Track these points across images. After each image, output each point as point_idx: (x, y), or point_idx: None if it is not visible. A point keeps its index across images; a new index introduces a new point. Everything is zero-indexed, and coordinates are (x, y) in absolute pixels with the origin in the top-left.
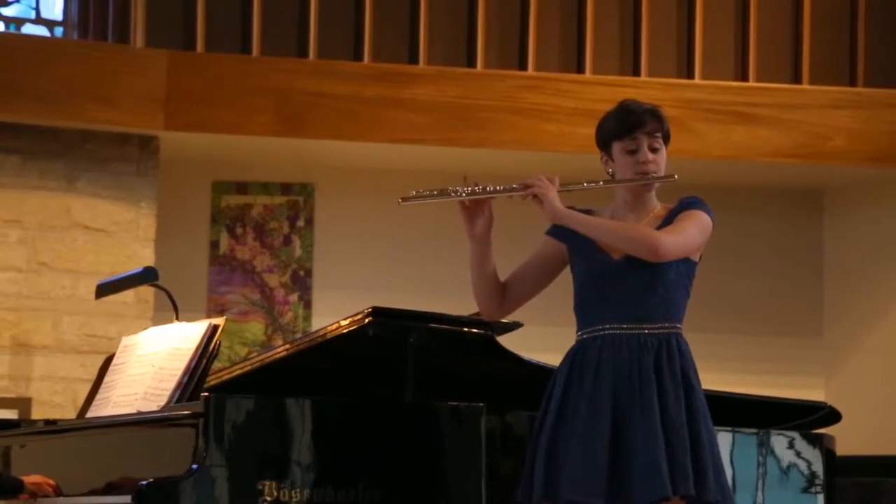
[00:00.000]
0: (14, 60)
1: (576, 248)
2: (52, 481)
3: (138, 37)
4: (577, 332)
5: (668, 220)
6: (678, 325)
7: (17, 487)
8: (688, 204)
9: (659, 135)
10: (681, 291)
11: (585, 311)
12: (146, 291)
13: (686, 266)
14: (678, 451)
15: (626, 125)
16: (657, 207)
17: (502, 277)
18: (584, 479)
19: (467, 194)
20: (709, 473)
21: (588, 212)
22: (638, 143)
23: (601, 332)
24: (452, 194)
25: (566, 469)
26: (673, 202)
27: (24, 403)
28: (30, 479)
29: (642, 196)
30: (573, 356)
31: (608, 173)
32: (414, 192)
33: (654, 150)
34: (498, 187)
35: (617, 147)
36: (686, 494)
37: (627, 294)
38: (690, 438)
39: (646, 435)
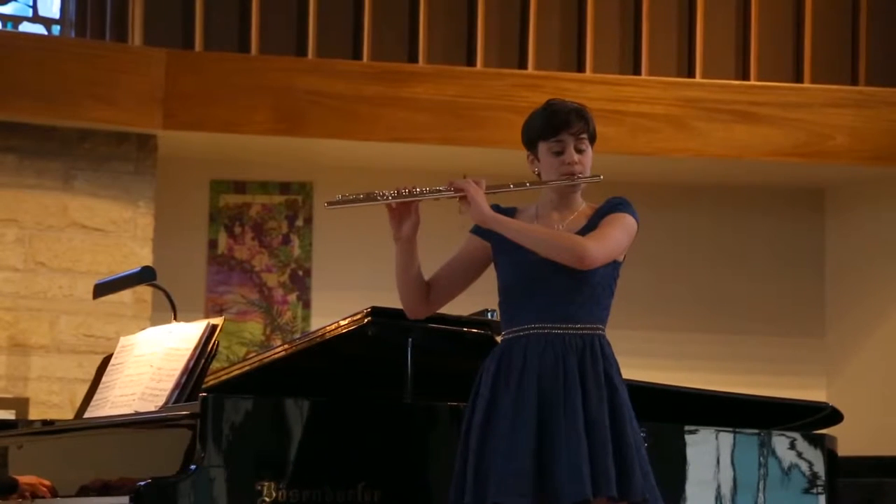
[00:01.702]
0: (11, 59)
1: (499, 246)
2: (46, 482)
3: (136, 35)
4: (502, 331)
5: (593, 221)
6: (601, 327)
7: (11, 487)
8: (614, 205)
9: (585, 135)
10: (606, 292)
11: (510, 310)
12: (144, 291)
13: (611, 268)
14: (600, 452)
15: (551, 125)
16: (582, 206)
17: (426, 276)
18: (510, 481)
19: (394, 197)
20: (634, 473)
21: (511, 211)
22: (563, 144)
23: (526, 332)
24: (379, 198)
25: (493, 470)
26: (599, 201)
27: (21, 404)
28: (24, 479)
29: (567, 196)
30: (500, 356)
31: (534, 173)
32: (339, 196)
33: (580, 151)
34: (425, 189)
35: (543, 147)
36: (609, 496)
37: (552, 294)
38: (615, 439)
39: (569, 436)
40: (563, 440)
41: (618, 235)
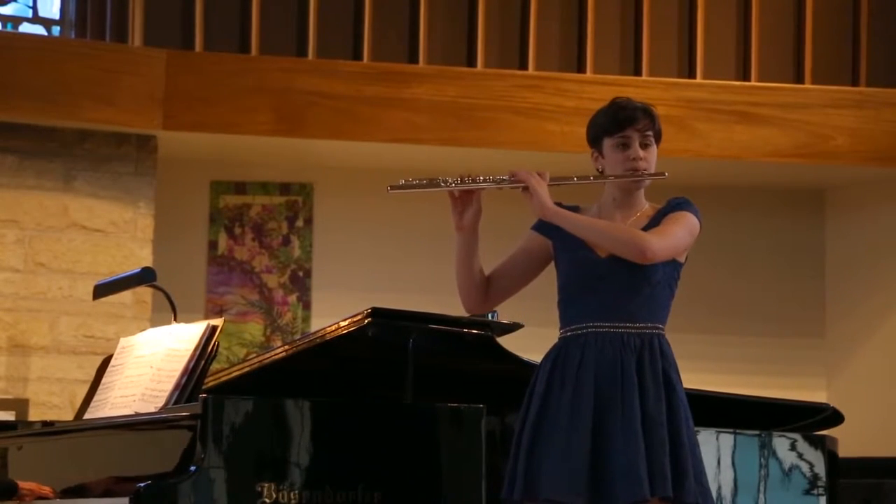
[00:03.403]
0: (11, 59)
1: (561, 244)
2: (47, 488)
3: (136, 36)
4: (560, 329)
5: (655, 221)
6: (661, 326)
7: (11, 490)
8: (676, 205)
9: (650, 133)
10: (665, 292)
11: (569, 308)
12: (144, 292)
13: (672, 267)
14: (657, 452)
15: (617, 121)
16: (645, 206)
17: (486, 271)
18: (564, 478)
19: (456, 185)
20: (689, 474)
21: (575, 208)
22: (629, 140)
23: (584, 331)
24: (442, 184)
25: (546, 468)
26: (661, 201)
27: (21, 405)
28: (24, 484)
29: (631, 194)
30: (556, 354)
31: (598, 170)
32: (403, 181)
33: (644, 148)
34: (487, 178)
35: (608, 143)
36: (664, 496)
37: (612, 293)
38: (671, 439)
39: (626, 435)
40: (619, 439)
41: (680, 233)
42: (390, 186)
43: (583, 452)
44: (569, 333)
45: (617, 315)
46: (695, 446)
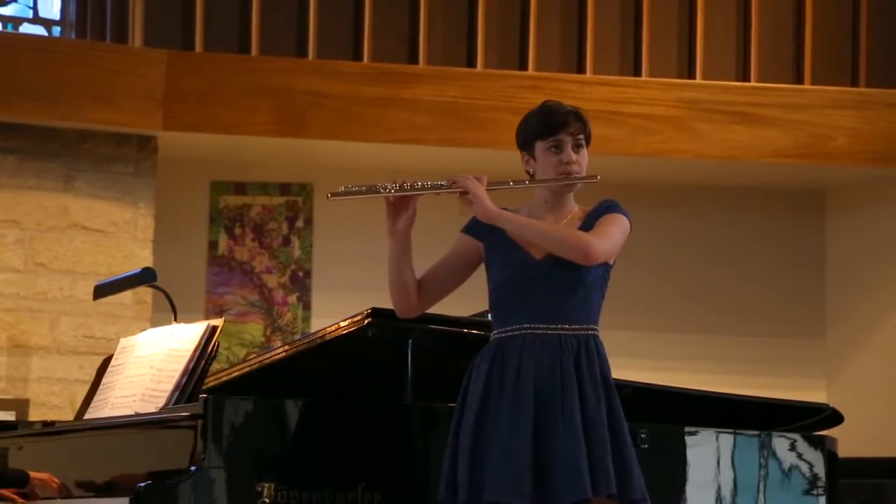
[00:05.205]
0: (12, 60)
1: (493, 245)
2: (57, 479)
3: (137, 36)
4: (493, 331)
5: (587, 223)
6: (595, 327)
7: (22, 479)
8: (607, 207)
9: (582, 136)
10: (597, 293)
11: (504, 309)
12: (144, 292)
13: (603, 269)
14: (599, 451)
15: (549, 125)
16: (575, 209)
17: (418, 275)
18: (508, 480)
19: (395, 191)
20: (634, 471)
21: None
22: (562, 144)
23: (521, 332)
24: (381, 190)
25: (490, 469)
26: (590, 203)
27: (21, 405)
28: (36, 475)
29: (562, 197)
30: (492, 356)
31: (528, 173)
32: (343, 188)
33: (576, 151)
34: (426, 183)
35: (540, 147)
36: (609, 494)
37: (548, 294)
38: (613, 438)
39: (567, 436)
40: (561, 440)
41: (616, 234)
42: (330, 194)
43: (525, 454)
44: (504, 335)
45: (553, 317)
46: (631, 445)
